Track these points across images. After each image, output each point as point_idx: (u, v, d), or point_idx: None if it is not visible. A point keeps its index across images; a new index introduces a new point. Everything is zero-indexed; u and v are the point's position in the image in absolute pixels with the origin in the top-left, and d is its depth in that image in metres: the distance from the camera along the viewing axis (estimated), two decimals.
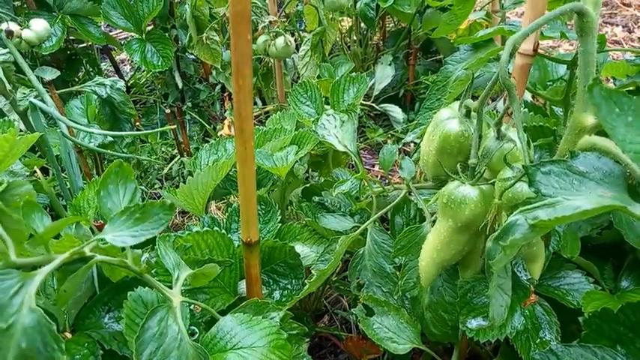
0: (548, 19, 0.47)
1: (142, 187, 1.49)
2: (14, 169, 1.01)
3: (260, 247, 0.77)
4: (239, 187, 0.61)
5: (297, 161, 1.01)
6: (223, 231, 0.76)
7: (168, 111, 1.44)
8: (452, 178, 0.56)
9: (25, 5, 1.67)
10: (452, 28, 0.99)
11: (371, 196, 0.78)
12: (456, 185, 0.54)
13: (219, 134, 1.69)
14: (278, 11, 1.20)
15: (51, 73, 1.19)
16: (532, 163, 0.44)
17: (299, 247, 0.78)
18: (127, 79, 2.20)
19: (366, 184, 0.85)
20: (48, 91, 1.12)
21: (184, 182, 1.43)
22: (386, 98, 1.76)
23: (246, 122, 0.56)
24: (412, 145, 1.59)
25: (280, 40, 1.11)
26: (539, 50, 0.65)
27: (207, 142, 1.81)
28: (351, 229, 0.77)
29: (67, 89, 1.23)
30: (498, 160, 0.52)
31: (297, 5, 1.51)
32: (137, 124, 1.67)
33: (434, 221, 0.63)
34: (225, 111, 1.58)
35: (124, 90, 1.14)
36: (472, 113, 0.55)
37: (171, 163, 1.56)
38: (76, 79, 1.97)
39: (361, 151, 1.67)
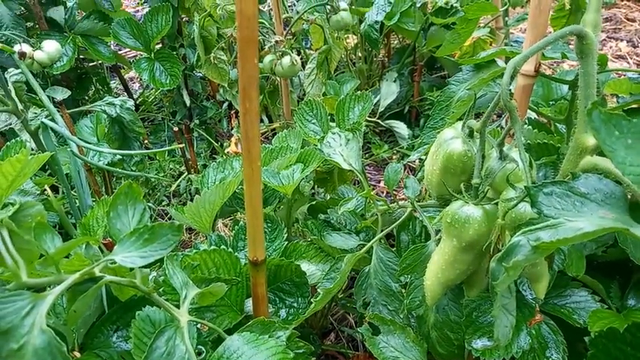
0: (548, 42, 0.48)
1: (150, 204, 1.50)
2: (25, 187, 1.02)
3: (266, 265, 0.78)
4: (246, 207, 0.62)
5: (303, 179, 1.02)
6: (230, 249, 0.77)
7: (176, 129, 1.46)
8: (455, 198, 0.56)
9: (37, 26, 1.71)
10: (455, 47, 1.01)
11: (376, 214, 0.79)
12: (460, 205, 0.55)
13: (226, 151, 1.71)
14: (284, 31, 1.22)
15: (62, 93, 1.22)
16: (534, 184, 0.44)
17: (305, 266, 0.78)
18: (135, 96, 2.23)
19: (371, 201, 0.85)
20: (59, 111, 1.14)
21: (192, 199, 1.44)
22: (391, 114, 1.77)
23: (253, 144, 0.57)
24: (417, 161, 1.60)
25: (286, 60, 1.13)
26: (541, 69, 0.66)
27: (215, 159, 1.84)
28: (356, 247, 0.77)
29: (78, 109, 1.25)
30: (501, 180, 0.53)
31: (303, 24, 1.53)
32: (145, 141, 1.69)
33: (439, 240, 0.63)
34: (232, 128, 1.59)
35: (133, 109, 1.16)
36: (475, 133, 0.56)
37: (178, 180, 1.58)
38: (86, 98, 2.01)
39: (366, 167, 1.68)
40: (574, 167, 0.52)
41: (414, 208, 0.70)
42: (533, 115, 1.03)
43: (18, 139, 0.87)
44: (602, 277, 0.72)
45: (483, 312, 0.65)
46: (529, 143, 0.85)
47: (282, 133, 1.09)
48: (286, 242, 0.81)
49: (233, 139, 1.49)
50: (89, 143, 1.23)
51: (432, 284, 0.59)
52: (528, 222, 0.44)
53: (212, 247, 0.75)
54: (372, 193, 0.76)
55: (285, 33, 1.21)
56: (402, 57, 1.91)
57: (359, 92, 1.09)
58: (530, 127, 0.93)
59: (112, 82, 2.39)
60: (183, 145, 1.44)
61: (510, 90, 0.68)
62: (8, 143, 0.87)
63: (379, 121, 1.75)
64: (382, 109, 1.75)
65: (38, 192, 1.03)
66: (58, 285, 0.49)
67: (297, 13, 1.23)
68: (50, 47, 1.18)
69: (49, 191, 1.04)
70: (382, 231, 0.75)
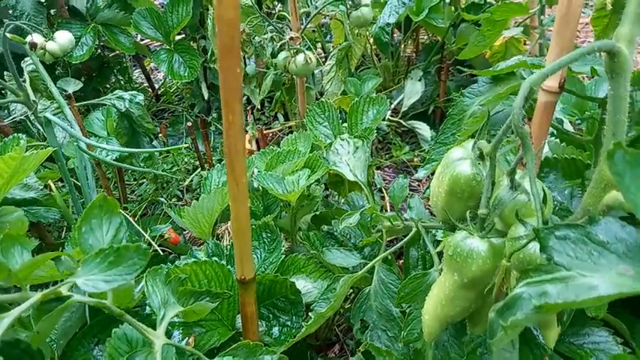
0: (572, 59, 0.41)
1: (162, 199, 1.48)
2: (28, 182, 1.01)
3: (261, 280, 0.74)
4: (232, 224, 0.57)
5: (314, 182, 0.97)
6: (223, 261, 0.73)
7: (189, 123, 1.42)
8: (459, 228, 0.50)
9: (59, 14, 1.70)
10: (480, 50, 0.93)
11: (381, 229, 0.73)
12: (464, 237, 0.49)
13: None
14: (301, 26, 1.16)
15: (74, 86, 1.20)
16: (546, 226, 0.38)
17: (301, 283, 0.74)
18: (157, 86, 2.22)
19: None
20: (68, 104, 1.12)
21: None
22: (415, 114, 1.69)
23: (238, 159, 0.52)
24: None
25: (300, 58, 1.08)
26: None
27: None
28: (358, 265, 0.72)
29: (88, 102, 1.23)
30: (511, 212, 0.47)
31: (324, 17, 1.47)
32: (161, 134, 1.67)
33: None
34: (247, 125, 1.55)
35: (143, 104, 1.13)
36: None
37: (192, 176, 1.55)
38: (108, 86, 2.00)
39: (385, 168, 1.61)
40: (597, 202, 0.45)
41: (418, 230, 0.64)
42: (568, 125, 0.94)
43: (16, 135, 0.85)
44: (626, 315, 0.65)
45: (489, 348, 0.59)
46: (555, 158, 0.78)
47: (291, 136, 1.04)
48: (284, 255, 0.76)
49: (247, 137, 1.45)
50: (98, 137, 1.21)
51: (430, 319, 0.54)
52: (537, 267, 0.38)
53: (203, 259, 0.71)
54: (376, 209, 0.70)
55: (301, 29, 1.15)
56: (429, 54, 1.83)
57: (374, 95, 1.03)
58: (557, 140, 0.85)
59: (135, 72, 2.39)
60: (195, 140, 1.41)
61: (531, 104, 0.61)
62: (6, 139, 0.85)
63: (401, 121, 1.68)
64: (405, 109, 1.68)
65: (41, 187, 1.01)
66: (20, 305, 0.46)
67: (316, 7, 1.17)
68: (62, 38, 1.16)
69: (52, 186, 1.02)
70: (386, 250, 0.70)
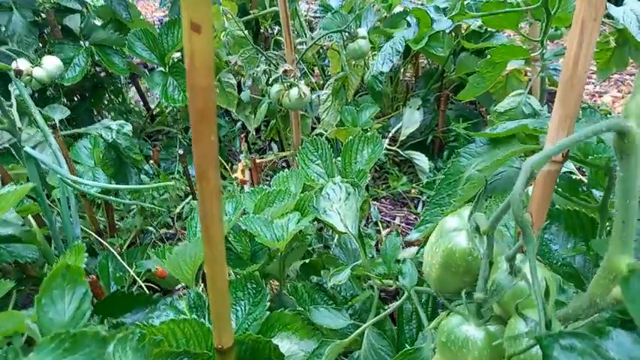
0: (576, 140, 0.37)
1: (151, 228, 1.44)
2: (7, 217, 0.97)
3: (243, 339, 0.69)
4: (208, 289, 0.53)
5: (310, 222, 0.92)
6: (203, 320, 0.68)
7: (181, 151, 1.39)
8: (454, 311, 0.46)
9: (52, 34, 1.67)
10: (480, 91, 0.90)
11: (373, 286, 0.69)
12: (459, 322, 0.45)
13: (233, 177, 1.63)
14: (295, 58, 1.13)
15: (60, 114, 1.16)
16: (549, 333, 0.34)
17: (286, 343, 0.69)
18: (153, 106, 2.18)
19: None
20: (53, 133, 1.08)
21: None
22: (413, 144, 1.66)
23: (214, 227, 0.48)
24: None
25: (294, 92, 1.04)
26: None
27: (224, 179, 1.76)
28: (347, 326, 0.68)
29: (73, 131, 1.19)
30: (511, 299, 0.43)
31: (322, 46, 1.44)
32: (153, 159, 1.63)
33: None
34: (241, 152, 1.52)
35: (131, 135, 1.09)
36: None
37: (182, 205, 1.51)
38: (103, 105, 1.97)
39: (382, 200, 1.57)
40: (604, 293, 0.41)
41: (409, 298, 0.59)
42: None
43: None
44: None
45: None
46: (558, 209, 0.74)
47: (282, 173, 1.00)
48: (268, 312, 0.72)
49: (240, 165, 1.41)
50: (84, 166, 1.17)
51: None
52: None
53: (182, 317, 0.66)
54: (367, 266, 0.66)
55: (296, 60, 1.12)
56: (429, 80, 1.79)
57: (369, 133, 0.99)
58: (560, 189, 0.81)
59: (131, 89, 2.36)
60: (187, 167, 1.37)
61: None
62: None
63: (399, 150, 1.64)
64: (404, 138, 1.64)
65: (20, 222, 0.97)
66: None
67: (312, 38, 1.14)
68: (50, 64, 1.12)
69: (32, 221, 0.98)
70: (378, 312, 0.65)
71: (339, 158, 1.01)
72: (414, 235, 0.62)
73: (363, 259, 0.69)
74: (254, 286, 0.77)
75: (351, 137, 0.98)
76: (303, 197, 0.90)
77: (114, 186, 1.01)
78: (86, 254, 0.79)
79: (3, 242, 0.95)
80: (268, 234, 0.83)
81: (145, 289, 1.18)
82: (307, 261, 0.89)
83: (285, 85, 1.07)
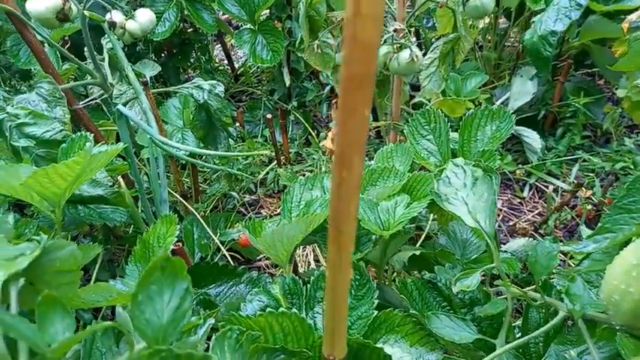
0: None
1: (234, 194, 1.38)
2: (97, 177, 0.93)
3: (347, 341, 0.60)
4: (326, 296, 0.44)
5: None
6: (302, 313, 0.60)
7: (269, 115, 1.30)
8: None
9: None
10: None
11: (506, 298, 0.57)
12: None
13: (320, 144, 1.53)
14: (407, 16, 0.99)
15: (151, 69, 1.10)
16: None
17: (395, 350, 0.59)
18: (237, 65, 2.12)
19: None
20: (144, 90, 1.02)
21: (279, 191, 1.28)
22: (522, 119, 1.47)
23: (347, 224, 0.38)
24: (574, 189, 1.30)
25: (405, 55, 0.91)
26: None
27: (309, 145, 1.67)
28: (473, 341, 0.56)
29: (165, 89, 1.13)
30: None
31: (430, 5, 1.28)
32: (238, 121, 1.56)
33: None
34: (330, 120, 1.41)
35: (223, 95, 1.02)
36: None
37: (266, 170, 1.44)
38: (189, 63, 1.93)
39: None
40: None
41: (575, 324, 0.47)
42: None
43: (83, 132, 0.76)
44: None
45: None
46: None
47: (386, 148, 0.88)
48: (376, 311, 0.62)
49: (330, 133, 1.30)
50: (173, 127, 1.11)
51: None
52: None
53: (281, 310, 0.58)
54: (504, 276, 0.54)
55: (407, 19, 0.98)
56: None
57: (494, 107, 0.84)
58: None
59: (216, 47, 2.30)
60: (273, 132, 1.29)
61: None
62: (73, 136, 0.76)
63: None
64: (511, 111, 1.46)
65: (110, 183, 0.93)
66: None
67: None
68: (143, 17, 1.06)
69: (122, 182, 0.93)
70: (521, 336, 0.53)
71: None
72: (589, 247, 0.48)
73: (497, 261, 0.57)
74: (358, 277, 0.67)
75: (471, 112, 0.84)
76: (413, 177, 0.79)
77: (206, 151, 0.94)
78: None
79: (93, 203, 0.92)
80: (372, 218, 0.73)
81: (230, 258, 1.13)
82: (417, 253, 0.78)
83: (395, 47, 0.93)
